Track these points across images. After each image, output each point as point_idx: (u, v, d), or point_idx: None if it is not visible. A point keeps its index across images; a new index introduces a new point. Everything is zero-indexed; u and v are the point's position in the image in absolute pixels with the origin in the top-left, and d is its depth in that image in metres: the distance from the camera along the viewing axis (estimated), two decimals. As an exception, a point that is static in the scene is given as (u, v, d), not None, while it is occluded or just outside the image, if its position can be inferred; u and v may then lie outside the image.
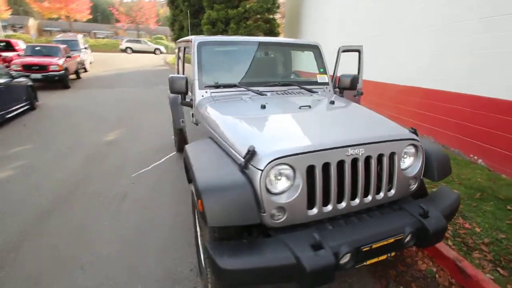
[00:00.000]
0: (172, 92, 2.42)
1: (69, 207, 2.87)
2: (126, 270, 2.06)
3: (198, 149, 1.81)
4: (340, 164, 1.51)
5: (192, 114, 2.45)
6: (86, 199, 3.01)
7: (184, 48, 3.59)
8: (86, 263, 2.12)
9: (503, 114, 3.27)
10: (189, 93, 2.49)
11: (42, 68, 8.92)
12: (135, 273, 2.04)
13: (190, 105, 2.47)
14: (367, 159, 1.57)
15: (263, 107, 2.02)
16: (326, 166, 1.48)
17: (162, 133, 5.29)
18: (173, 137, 4.60)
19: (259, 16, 11.12)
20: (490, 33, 3.41)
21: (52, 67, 9.04)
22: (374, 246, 1.42)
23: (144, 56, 25.85)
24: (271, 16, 11.24)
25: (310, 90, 2.61)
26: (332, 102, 2.23)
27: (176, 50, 4.37)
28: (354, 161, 1.54)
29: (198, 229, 2.03)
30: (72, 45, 12.59)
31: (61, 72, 9.22)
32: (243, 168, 1.44)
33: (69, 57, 10.52)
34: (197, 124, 2.34)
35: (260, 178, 1.37)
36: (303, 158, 1.43)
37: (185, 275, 2.02)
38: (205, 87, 2.38)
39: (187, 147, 1.84)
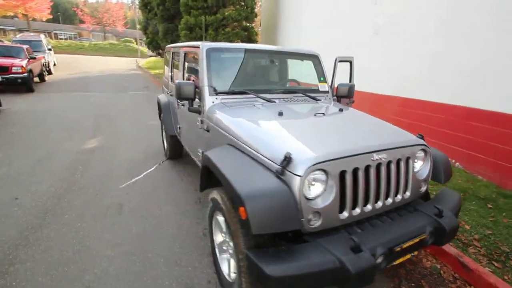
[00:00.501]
0: (178, 98, 2.36)
1: (59, 221, 2.63)
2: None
3: (222, 156, 1.78)
4: (367, 168, 1.58)
5: (201, 120, 2.40)
6: (77, 212, 2.79)
7: (173, 53, 3.53)
8: (92, 282, 1.96)
9: (467, 119, 3.68)
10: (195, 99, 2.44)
11: (3, 69, 8.13)
12: (149, 289, 1.93)
13: (198, 111, 2.42)
14: (388, 164, 1.67)
15: (281, 114, 2.05)
16: (354, 171, 1.54)
17: (145, 140, 5.10)
18: (163, 143, 4.45)
19: (237, 23, 11.24)
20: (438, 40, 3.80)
21: (14, 69, 8.29)
22: (404, 246, 1.50)
23: (116, 59, 24.71)
24: (249, 24, 11.41)
25: (314, 98, 2.70)
26: (341, 110, 2.34)
27: (166, 55, 4.28)
28: (378, 166, 1.63)
29: (217, 238, 1.99)
30: (35, 46, 11.67)
31: (24, 74, 8.48)
32: (280, 174, 1.45)
33: (33, 58, 9.73)
34: (208, 131, 2.30)
35: (299, 184, 1.39)
36: (336, 163, 1.49)
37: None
38: (215, 93, 2.36)
39: (209, 154, 1.81)
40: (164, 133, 4.23)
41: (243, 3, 11.06)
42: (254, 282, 1.50)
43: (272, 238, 1.56)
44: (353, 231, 1.58)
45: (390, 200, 1.71)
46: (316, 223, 1.47)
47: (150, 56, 26.71)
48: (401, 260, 1.60)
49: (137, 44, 31.73)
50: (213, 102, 2.34)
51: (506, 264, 2.13)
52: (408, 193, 1.80)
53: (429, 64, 4.25)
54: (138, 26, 19.97)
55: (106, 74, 15.32)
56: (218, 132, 2.09)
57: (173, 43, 15.06)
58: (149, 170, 3.83)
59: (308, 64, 2.98)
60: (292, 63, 3.10)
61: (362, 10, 5.58)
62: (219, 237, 2.02)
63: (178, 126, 3.38)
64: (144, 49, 27.84)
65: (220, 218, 1.91)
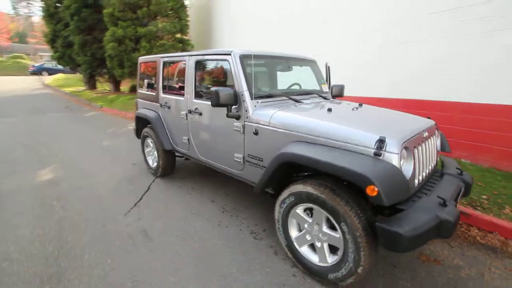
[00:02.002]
0: (216, 105, 2.35)
1: (81, 263, 2.18)
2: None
3: (309, 150, 1.89)
4: (422, 144, 1.99)
5: (243, 125, 2.43)
6: (95, 248, 2.36)
7: (165, 64, 3.37)
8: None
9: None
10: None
11: None
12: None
13: (238, 116, 2.44)
14: (428, 139, 2.13)
15: (330, 110, 2.30)
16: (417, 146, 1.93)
17: (114, 163, 4.56)
18: (148, 162, 4.07)
19: (171, 35, 10.92)
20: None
21: None
22: (459, 198, 1.96)
23: (10, 79, 20.20)
24: (184, 37, 11.23)
25: (325, 98, 3.05)
26: (361, 105, 2.74)
27: (145, 67, 4.01)
28: (425, 141, 2.06)
29: (292, 233, 2.08)
30: None
31: None
32: (377, 155, 1.70)
33: None
34: (256, 134, 2.35)
35: (398, 160, 1.68)
36: (411, 141, 1.83)
37: (294, 282, 1.99)
38: (255, 97, 2.44)
39: (295, 150, 1.91)
40: (153, 150, 3.89)
41: (176, 15, 10.84)
42: (373, 252, 1.69)
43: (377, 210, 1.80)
44: (422, 194, 1.95)
45: (430, 168, 2.17)
46: (410, 191, 1.77)
47: (50, 74, 22.90)
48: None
49: (29, 59, 26.64)
50: (255, 106, 2.41)
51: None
52: (435, 162, 2.30)
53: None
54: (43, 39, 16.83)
55: (8, 96, 12.47)
56: (278, 132, 2.19)
57: (94, 56, 13.54)
58: (146, 192, 3.48)
59: (307, 69, 3.32)
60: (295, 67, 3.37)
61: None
62: (294, 232, 2.11)
63: (184, 138, 3.22)
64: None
65: (299, 211, 2.02)
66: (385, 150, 1.70)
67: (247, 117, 2.41)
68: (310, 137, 2.00)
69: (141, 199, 3.28)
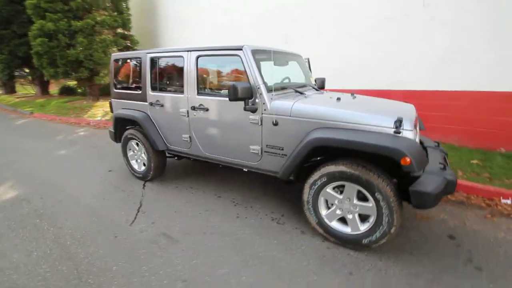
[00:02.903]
0: (235, 99, 2.42)
1: (114, 275, 2.02)
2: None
3: (336, 133, 2.12)
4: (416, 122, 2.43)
5: (261, 118, 2.54)
6: (121, 259, 2.20)
7: (153, 60, 3.24)
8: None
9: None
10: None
11: None
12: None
13: (255, 110, 2.54)
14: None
15: (339, 99, 2.58)
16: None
17: (84, 170, 4.14)
18: (131, 166, 3.79)
19: (112, 31, 10.00)
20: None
21: None
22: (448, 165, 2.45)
23: None
24: (127, 32, 10.38)
25: (317, 90, 3.35)
26: (353, 94, 3.09)
27: (119, 64, 3.73)
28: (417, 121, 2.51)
29: (322, 211, 2.31)
30: None
31: None
32: (397, 133, 2.03)
33: None
34: (276, 124, 2.49)
35: (413, 136, 2.05)
36: (415, 120, 2.24)
37: (332, 253, 2.22)
38: (269, 90, 2.57)
39: (329, 135, 2.12)
40: (139, 153, 3.65)
41: (115, 9, 9.94)
42: (401, 213, 2.02)
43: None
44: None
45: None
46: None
47: None
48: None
49: None
50: (271, 98, 2.54)
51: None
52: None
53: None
54: None
55: None
56: (300, 121, 2.36)
57: (13, 54, 11.49)
58: (142, 197, 3.28)
59: (294, 63, 3.55)
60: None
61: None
62: (323, 210, 2.35)
63: (185, 136, 3.13)
64: None
65: (329, 190, 2.26)
66: (403, 129, 2.05)
67: (265, 110, 2.52)
68: (331, 123, 2.24)
69: (141, 205, 3.09)
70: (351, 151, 2.10)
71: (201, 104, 2.91)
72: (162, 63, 3.24)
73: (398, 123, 2.04)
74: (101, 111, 8.99)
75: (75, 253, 2.28)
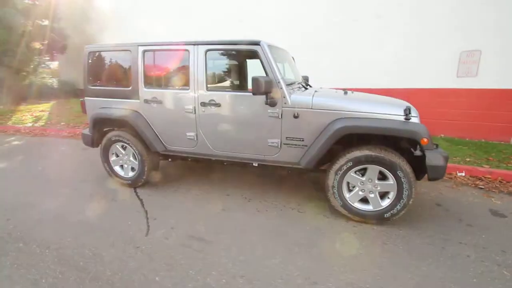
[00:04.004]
0: (258, 93, 2.48)
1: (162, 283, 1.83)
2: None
3: (360, 122, 2.38)
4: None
5: (282, 111, 2.62)
6: (160, 274, 2.00)
7: (152, 52, 3.02)
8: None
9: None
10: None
11: None
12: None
13: (274, 103, 2.62)
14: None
15: (346, 92, 2.86)
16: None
17: (50, 185, 3.54)
18: (115, 173, 3.38)
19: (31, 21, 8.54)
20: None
21: None
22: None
23: None
24: (55, 24, 8.98)
25: (310, 86, 3.59)
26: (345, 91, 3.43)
27: (97, 57, 3.33)
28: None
29: (345, 194, 2.54)
30: None
31: None
32: (407, 119, 2.40)
33: None
34: (297, 117, 2.61)
35: (418, 120, 2.45)
36: (415, 109, 2.67)
37: (359, 230, 2.46)
38: (287, 85, 2.68)
39: (355, 123, 2.35)
40: (126, 157, 3.29)
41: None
42: (416, 186, 2.39)
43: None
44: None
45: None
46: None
47: None
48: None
49: None
50: (290, 93, 2.66)
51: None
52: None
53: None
54: None
55: None
56: (321, 113, 2.54)
57: None
58: (143, 204, 2.98)
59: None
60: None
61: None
62: (346, 193, 2.58)
63: (190, 135, 2.97)
64: None
65: (352, 174, 2.51)
66: (411, 115, 2.42)
67: (285, 103, 2.62)
68: (351, 114, 2.50)
69: (147, 211, 2.81)
70: (364, 137, 2.40)
71: (212, 100, 2.82)
72: (160, 56, 3.01)
73: (408, 110, 2.40)
74: (29, 116, 7.55)
75: (99, 272, 1.97)
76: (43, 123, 6.91)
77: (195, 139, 3.00)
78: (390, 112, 2.45)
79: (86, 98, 3.41)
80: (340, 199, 2.58)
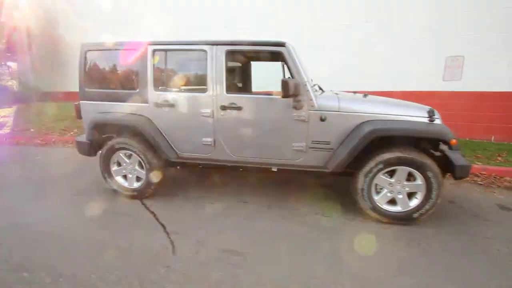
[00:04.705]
0: (286, 96, 2.41)
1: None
2: None
3: (389, 124, 2.40)
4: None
5: (308, 114, 2.56)
6: (209, 283, 1.81)
7: (163, 52, 2.80)
8: None
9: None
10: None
11: None
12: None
13: (301, 107, 2.55)
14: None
15: (366, 95, 2.88)
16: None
17: (41, 201, 3.15)
18: (115, 184, 3.07)
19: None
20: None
21: None
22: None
23: None
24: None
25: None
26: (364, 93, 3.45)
27: (97, 56, 3.02)
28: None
29: (374, 197, 2.55)
30: None
31: None
32: (431, 120, 2.47)
33: None
34: (323, 120, 2.56)
35: (441, 122, 2.54)
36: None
37: (390, 231, 2.46)
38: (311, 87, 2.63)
39: (385, 126, 2.36)
40: (131, 166, 3.00)
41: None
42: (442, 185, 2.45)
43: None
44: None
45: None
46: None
47: None
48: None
49: None
50: (316, 96, 2.61)
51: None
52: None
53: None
54: None
55: None
56: (348, 116, 2.53)
57: None
58: (156, 217, 2.72)
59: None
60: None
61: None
62: (375, 196, 2.58)
63: (206, 140, 2.78)
64: None
65: (382, 176, 2.51)
66: (435, 117, 2.50)
67: (312, 106, 2.56)
68: (379, 116, 2.51)
69: (164, 226, 2.57)
70: (385, 139, 2.44)
71: (232, 103, 2.67)
72: (172, 57, 2.79)
73: (432, 112, 2.48)
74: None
75: (133, 299, 1.73)
76: (8, 130, 6.14)
77: (212, 145, 2.82)
78: (415, 114, 2.51)
79: (81, 101, 3.06)
80: (370, 202, 2.57)
